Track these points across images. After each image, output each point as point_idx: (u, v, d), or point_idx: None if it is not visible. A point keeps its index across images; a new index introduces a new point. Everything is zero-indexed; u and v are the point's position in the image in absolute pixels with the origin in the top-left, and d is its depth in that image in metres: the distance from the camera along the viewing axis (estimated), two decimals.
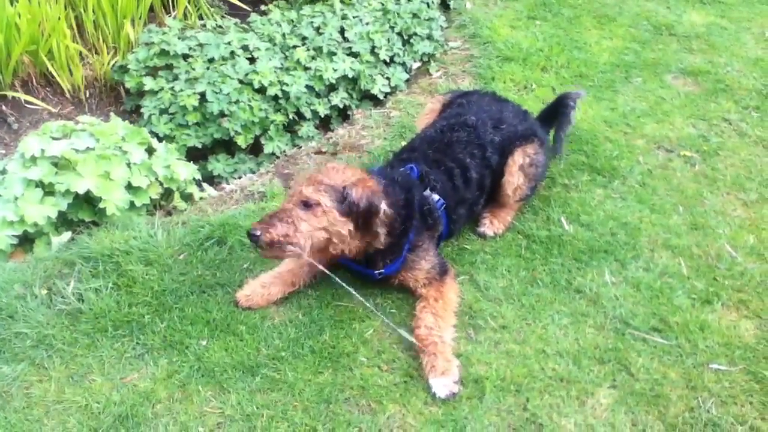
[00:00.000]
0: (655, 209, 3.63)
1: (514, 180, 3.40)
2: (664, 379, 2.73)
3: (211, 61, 4.43)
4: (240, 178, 4.15)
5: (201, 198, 3.89)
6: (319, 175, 2.85)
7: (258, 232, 2.69)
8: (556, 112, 3.83)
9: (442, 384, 2.66)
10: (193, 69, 4.35)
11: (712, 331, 2.93)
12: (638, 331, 2.94)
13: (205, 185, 4.05)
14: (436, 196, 3.14)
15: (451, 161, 3.28)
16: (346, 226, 2.79)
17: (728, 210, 3.64)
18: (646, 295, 3.11)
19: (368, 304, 2.95)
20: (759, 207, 3.66)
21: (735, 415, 2.59)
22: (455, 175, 3.25)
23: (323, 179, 2.81)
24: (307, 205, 2.76)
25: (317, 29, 4.79)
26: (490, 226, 3.47)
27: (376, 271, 3.02)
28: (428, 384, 2.68)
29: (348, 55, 4.71)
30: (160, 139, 4.12)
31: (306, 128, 4.46)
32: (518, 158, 3.40)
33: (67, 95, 4.65)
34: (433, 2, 5.42)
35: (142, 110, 4.32)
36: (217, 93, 4.24)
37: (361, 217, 2.78)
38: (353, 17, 4.90)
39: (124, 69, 4.58)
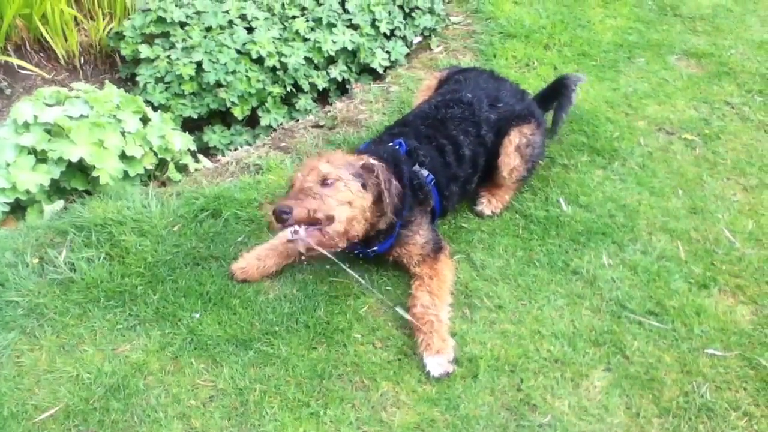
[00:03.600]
0: (654, 192, 3.60)
1: (510, 161, 3.35)
2: (659, 363, 2.73)
3: (208, 29, 4.35)
4: (236, 150, 4.09)
5: (196, 169, 3.84)
6: (325, 157, 2.82)
7: (288, 208, 2.54)
8: (556, 93, 3.76)
9: (437, 363, 2.65)
10: (190, 37, 4.27)
11: (708, 316, 2.92)
12: (634, 314, 2.92)
13: (200, 156, 4.00)
14: (425, 172, 3.09)
15: (444, 138, 3.22)
16: (366, 200, 2.76)
17: (728, 194, 3.62)
18: (643, 278, 3.09)
19: (363, 281, 2.93)
20: (759, 192, 3.63)
21: (729, 400, 2.59)
22: (447, 152, 3.20)
23: (333, 159, 2.78)
24: (326, 182, 2.69)
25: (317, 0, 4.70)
26: (488, 204, 3.43)
27: (368, 250, 2.99)
28: (422, 362, 2.67)
29: (348, 27, 4.62)
30: (155, 109, 4.05)
31: (304, 101, 4.39)
32: (515, 138, 3.35)
33: (62, 61, 4.57)
34: None
35: (137, 78, 4.25)
36: (214, 62, 4.16)
37: (387, 187, 2.75)
38: None
39: (119, 36, 4.50)
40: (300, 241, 2.61)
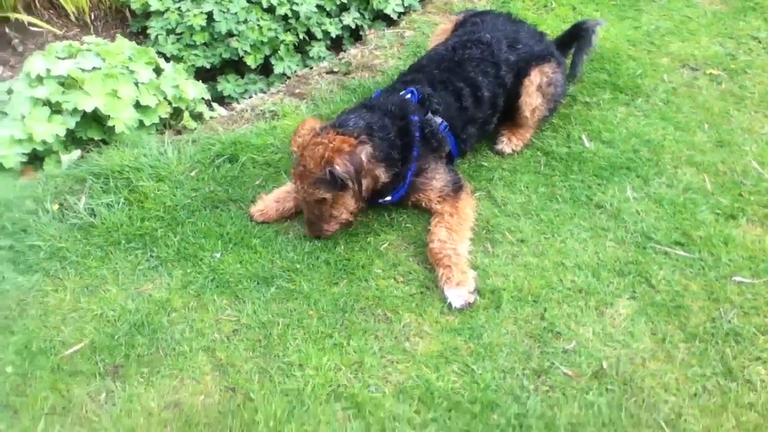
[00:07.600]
0: (679, 126, 3.51)
1: (532, 101, 3.28)
2: (685, 291, 2.68)
3: None
4: (250, 98, 4.05)
5: (211, 117, 3.81)
6: (302, 162, 2.77)
7: (326, 231, 2.88)
8: (575, 37, 3.68)
9: (457, 294, 2.63)
10: None
11: (736, 245, 2.86)
12: (660, 245, 2.87)
13: (214, 105, 3.96)
14: (438, 119, 3.03)
15: (461, 81, 3.15)
16: (350, 195, 2.81)
17: (756, 127, 3.51)
18: (669, 210, 3.03)
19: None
20: None
21: (757, 325, 2.54)
22: (464, 95, 3.13)
23: (309, 169, 2.75)
24: (319, 202, 2.82)
25: None
26: (508, 143, 3.37)
27: (380, 200, 2.96)
28: (444, 295, 2.65)
29: None
30: (167, 60, 4.02)
31: (317, 48, 4.33)
32: (535, 78, 3.28)
33: (72, 18, 4.53)
34: None
35: (148, 31, 4.21)
36: (224, 12, 4.11)
37: (356, 181, 2.71)
38: None
39: None
40: None
